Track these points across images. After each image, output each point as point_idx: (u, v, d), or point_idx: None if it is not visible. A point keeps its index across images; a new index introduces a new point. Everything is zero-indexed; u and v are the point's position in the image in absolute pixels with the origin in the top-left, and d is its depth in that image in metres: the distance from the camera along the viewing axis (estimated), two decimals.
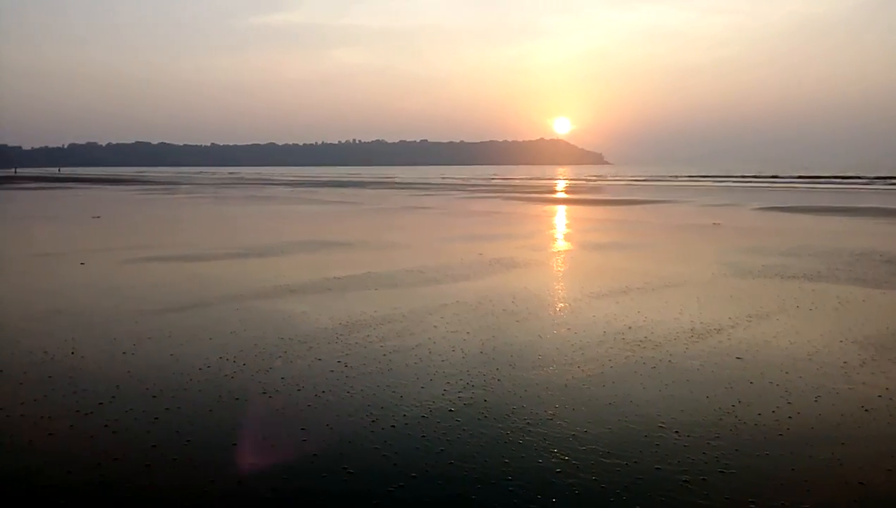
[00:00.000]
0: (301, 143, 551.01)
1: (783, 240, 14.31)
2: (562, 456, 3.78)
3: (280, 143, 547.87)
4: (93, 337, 6.41)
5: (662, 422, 4.26)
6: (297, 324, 6.87)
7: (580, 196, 38.05)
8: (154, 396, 4.74)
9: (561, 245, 14.26)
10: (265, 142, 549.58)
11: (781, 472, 3.59)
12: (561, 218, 22.35)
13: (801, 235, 15.44)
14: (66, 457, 3.78)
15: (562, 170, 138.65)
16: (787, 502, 3.27)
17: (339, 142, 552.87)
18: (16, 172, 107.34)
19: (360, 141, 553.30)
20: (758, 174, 69.37)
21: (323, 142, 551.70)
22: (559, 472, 3.60)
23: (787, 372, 5.25)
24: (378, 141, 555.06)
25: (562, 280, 9.87)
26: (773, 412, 4.43)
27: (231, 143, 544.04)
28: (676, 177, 70.68)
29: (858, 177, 55.16)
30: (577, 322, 6.97)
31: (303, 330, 6.60)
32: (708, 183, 55.69)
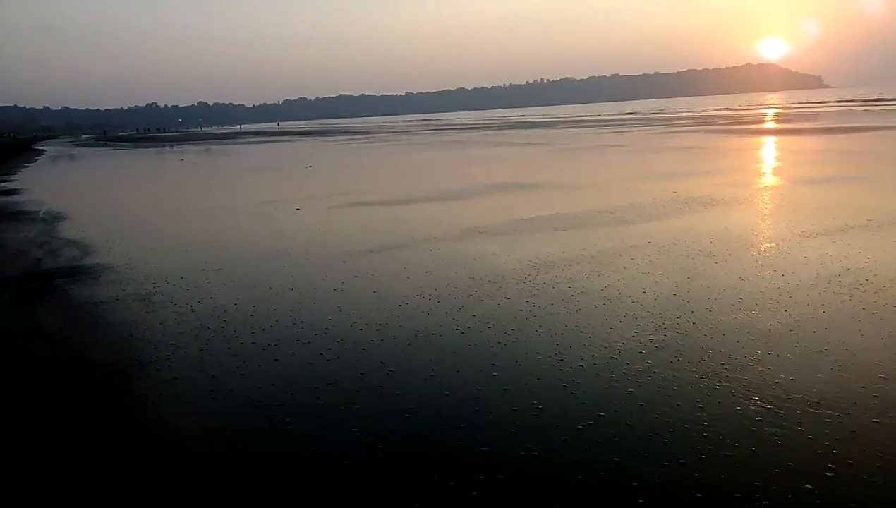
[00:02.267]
0: (489, 86, 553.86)
1: None
2: (763, 405, 3.57)
3: (469, 88, 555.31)
4: (308, 275, 7.11)
5: (884, 373, 3.85)
6: (486, 265, 7.08)
7: (792, 125, 34.35)
8: (360, 329, 5.19)
9: (768, 180, 13.07)
10: (455, 88, 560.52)
11: None
12: (769, 150, 20.41)
13: None
14: (290, 380, 4.30)
15: (772, 98, 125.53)
16: None
17: (527, 82, 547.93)
18: (241, 128, 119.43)
19: (547, 80, 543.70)
20: None
21: (511, 84, 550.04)
22: (760, 420, 3.41)
23: None
24: (566, 78, 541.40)
25: (768, 218, 9.09)
26: None
27: (423, 91, 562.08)
28: None
29: None
30: (784, 263, 6.42)
31: (492, 271, 6.79)
32: None
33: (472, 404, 3.81)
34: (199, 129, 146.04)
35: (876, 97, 70.23)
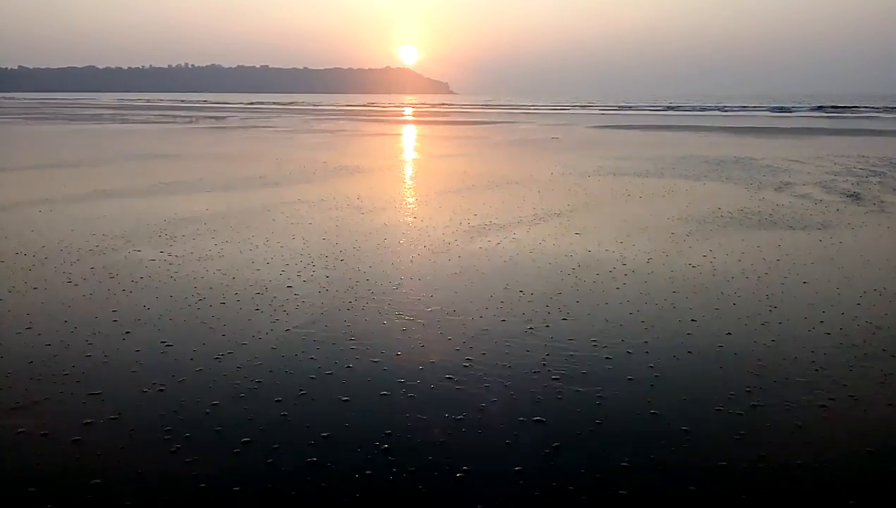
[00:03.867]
0: (125, 67, 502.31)
1: (615, 149, 15.04)
2: (407, 318, 3.61)
3: (101, 66, 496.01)
4: None
5: (507, 284, 4.22)
6: (113, 223, 6.18)
7: (427, 118, 37.92)
8: None
9: (409, 155, 14.04)
10: (83, 65, 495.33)
11: (621, 316, 3.66)
12: (409, 135, 22.08)
13: (632, 146, 16.33)
14: None
15: (410, 98, 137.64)
16: (627, 338, 3.32)
17: (170, 66, 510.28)
18: None
19: (193, 65, 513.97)
20: (602, 103, 72.82)
21: (151, 66, 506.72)
22: (404, 330, 3.43)
23: (621, 242, 5.44)
24: (213, 66, 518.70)
25: (410, 181, 9.67)
26: (611, 271, 4.55)
27: (43, 66, 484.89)
28: (521, 105, 72.49)
29: (678, 106, 59.45)
30: (423, 212, 6.82)
31: (120, 227, 5.94)
32: (549, 110, 57.72)
33: (84, 349, 3.13)
34: None
35: (490, 102, 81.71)
